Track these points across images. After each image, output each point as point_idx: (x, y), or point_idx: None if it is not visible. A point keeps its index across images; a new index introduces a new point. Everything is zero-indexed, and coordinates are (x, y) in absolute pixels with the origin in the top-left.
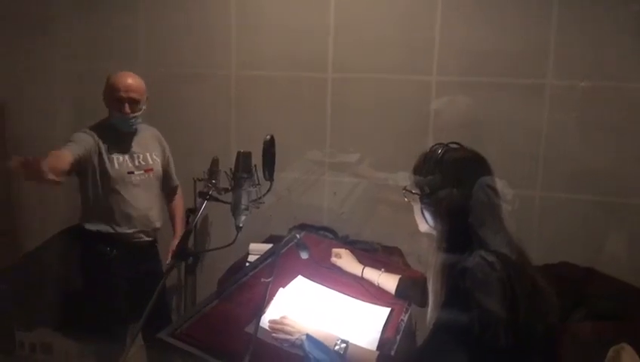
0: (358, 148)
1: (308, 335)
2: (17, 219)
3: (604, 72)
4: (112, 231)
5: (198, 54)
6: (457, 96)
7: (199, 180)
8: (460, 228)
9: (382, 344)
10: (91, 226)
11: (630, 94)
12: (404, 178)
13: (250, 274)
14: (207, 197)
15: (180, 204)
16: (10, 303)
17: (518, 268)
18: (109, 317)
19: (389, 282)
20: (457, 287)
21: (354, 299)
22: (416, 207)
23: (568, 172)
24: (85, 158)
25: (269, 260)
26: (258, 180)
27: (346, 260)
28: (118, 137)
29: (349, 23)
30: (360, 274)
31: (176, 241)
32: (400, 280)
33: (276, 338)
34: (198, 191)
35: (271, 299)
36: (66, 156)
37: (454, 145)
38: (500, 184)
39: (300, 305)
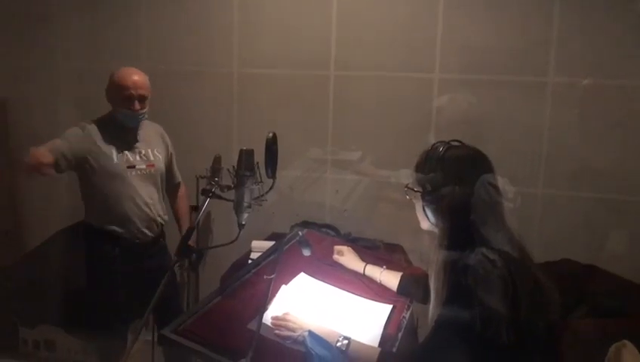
0: (360, 145)
1: (310, 332)
2: (20, 217)
3: (605, 70)
4: (113, 228)
5: (200, 52)
6: (459, 93)
7: (201, 178)
8: (462, 226)
9: (384, 341)
10: (94, 223)
11: (632, 92)
12: (406, 175)
13: (253, 271)
14: (210, 194)
15: (183, 201)
16: (13, 300)
17: (520, 266)
18: (111, 315)
19: (390, 279)
20: (459, 284)
21: (356, 296)
22: (418, 205)
23: (570, 169)
24: (74, 153)
25: (272, 257)
26: (261, 178)
27: (348, 258)
28: (120, 132)
29: (351, 21)
30: (362, 272)
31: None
32: (402, 277)
33: (279, 335)
34: (201, 188)
35: (273, 295)
36: (44, 152)
37: (456, 143)
38: (501, 181)
39: (302, 302)
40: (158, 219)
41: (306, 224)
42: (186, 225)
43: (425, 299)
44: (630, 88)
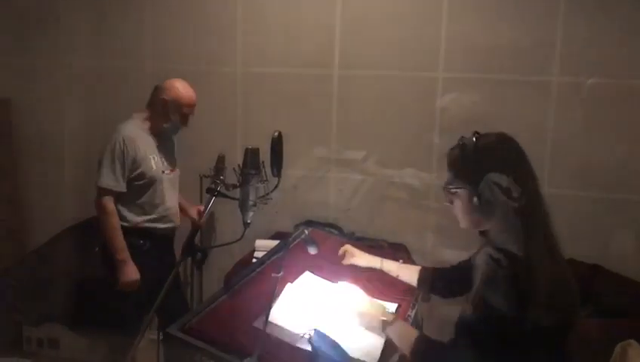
0: (364, 145)
1: (316, 330)
2: (23, 216)
3: (610, 70)
4: (150, 225)
5: (204, 51)
6: (463, 93)
7: (205, 177)
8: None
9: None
10: (127, 220)
11: (637, 91)
12: (410, 174)
13: (258, 269)
14: (215, 193)
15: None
16: (17, 299)
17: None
18: (135, 311)
19: (408, 273)
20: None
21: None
22: (459, 203)
23: (575, 169)
24: (127, 176)
25: (277, 255)
26: (266, 176)
27: (360, 257)
28: (159, 139)
29: (355, 20)
30: (379, 267)
31: (194, 210)
32: (422, 269)
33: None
34: (206, 187)
35: (279, 294)
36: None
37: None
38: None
39: (307, 300)
40: (179, 218)
41: (309, 223)
42: (190, 204)
43: (444, 293)
44: (635, 87)
